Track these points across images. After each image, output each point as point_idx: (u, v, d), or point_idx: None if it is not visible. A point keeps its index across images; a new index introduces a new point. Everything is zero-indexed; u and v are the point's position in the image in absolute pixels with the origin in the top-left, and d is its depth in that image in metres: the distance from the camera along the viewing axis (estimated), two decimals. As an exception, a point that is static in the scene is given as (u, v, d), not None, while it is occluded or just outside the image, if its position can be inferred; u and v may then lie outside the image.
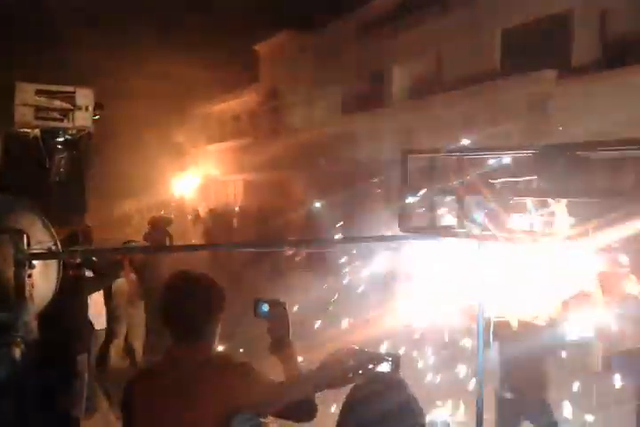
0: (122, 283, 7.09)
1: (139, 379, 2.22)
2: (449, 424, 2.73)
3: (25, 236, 2.01)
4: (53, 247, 2.20)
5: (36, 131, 5.35)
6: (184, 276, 2.31)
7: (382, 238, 3.27)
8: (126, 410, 2.19)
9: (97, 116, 5.89)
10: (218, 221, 21.43)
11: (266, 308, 2.37)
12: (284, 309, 2.38)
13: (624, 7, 11.51)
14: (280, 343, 2.33)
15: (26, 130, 5.39)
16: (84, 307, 5.26)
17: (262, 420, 1.83)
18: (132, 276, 7.28)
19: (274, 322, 2.36)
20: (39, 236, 2.22)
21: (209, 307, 2.24)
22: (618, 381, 3.24)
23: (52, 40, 22.09)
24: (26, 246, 2.01)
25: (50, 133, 5.00)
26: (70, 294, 5.09)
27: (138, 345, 7.41)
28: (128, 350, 7.39)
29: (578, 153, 2.29)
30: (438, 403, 3.58)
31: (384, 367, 1.85)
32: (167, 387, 2.13)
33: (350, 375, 1.79)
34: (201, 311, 2.22)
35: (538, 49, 12.74)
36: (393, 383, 1.65)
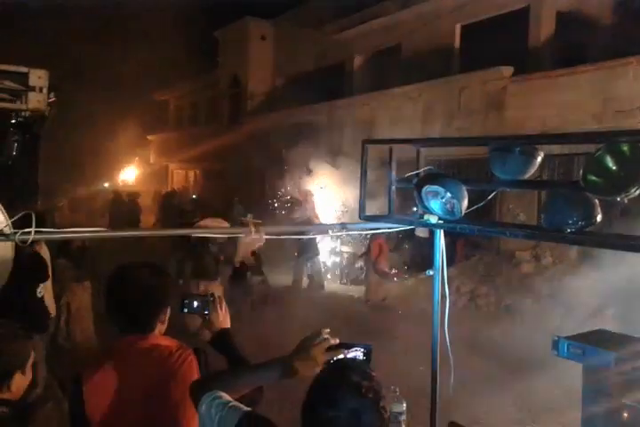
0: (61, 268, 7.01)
1: (86, 373, 2.15)
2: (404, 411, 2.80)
3: (-23, 218, 1.96)
4: (6, 229, 2.15)
5: (-14, 112, 5.19)
6: (129, 266, 2.27)
7: (339, 227, 3.29)
8: (74, 405, 2.14)
9: (52, 99, 5.75)
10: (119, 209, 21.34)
11: (195, 303, 2.37)
12: (215, 301, 2.39)
13: (579, 5, 11.81)
14: (222, 336, 2.34)
15: (-25, 111, 5.22)
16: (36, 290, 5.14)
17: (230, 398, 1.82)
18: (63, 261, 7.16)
19: (211, 316, 2.37)
20: (-9, 218, 2.17)
21: (155, 298, 2.21)
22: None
23: (7, 21, 21.40)
24: (-23, 229, 1.96)
25: (1, 115, 4.86)
26: (27, 276, 4.97)
27: (79, 329, 7.32)
28: (67, 335, 7.30)
29: (532, 146, 2.37)
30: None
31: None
32: (116, 379, 2.10)
33: (322, 365, 1.80)
34: (147, 303, 2.19)
35: (496, 45, 12.97)
36: (358, 367, 1.67)
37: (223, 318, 2.37)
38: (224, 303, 2.41)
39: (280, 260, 11.66)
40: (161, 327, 2.25)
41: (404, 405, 2.90)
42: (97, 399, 2.09)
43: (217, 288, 7.08)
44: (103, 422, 2.10)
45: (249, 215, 10.61)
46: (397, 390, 2.99)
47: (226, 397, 1.84)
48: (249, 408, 1.82)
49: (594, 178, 2.01)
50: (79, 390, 2.12)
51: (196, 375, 2.13)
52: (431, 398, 3.33)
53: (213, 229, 2.57)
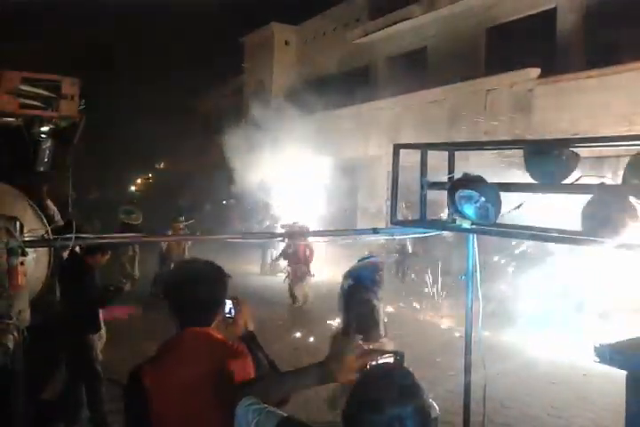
0: None
1: (146, 366, 2.18)
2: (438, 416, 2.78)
3: (18, 223, 1.99)
4: (45, 235, 2.18)
5: (20, 120, 5.27)
6: (194, 263, 2.34)
7: (370, 232, 3.28)
8: (135, 397, 2.16)
9: (82, 106, 5.83)
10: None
11: (228, 307, 2.40)
12: (239, 304, 2.42)
13: (607, 6, 11.64)
14: (249, 337, 2.37)
15: (9, 119, 5.31)
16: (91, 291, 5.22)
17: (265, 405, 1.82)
18: None
19: (236, 318, 2.39)
20: (31, 224, 2.20)
21: (216, 293, 2.28)
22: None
23: (36, 28, 21.82)
24: (18, 234, 1.99)
25: (34, 122, 4.94)
26: (79, 278, 5.07)
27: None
28: None
29: (570, 149, 2.33)
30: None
31: None
32: (175, 371, 2.14)
33: (355, 372, 1.80)
34: (209, 297, 2.26)
35: (522, 47, 12.86)
36: (399, 372, 1.66)
37: (248, 321, 2.40)
38: (247, 307, 2.44)
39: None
40: (214, 322, 2.30)
41: (438, 410, 2.89)
42: (157, 391, 2.12)
43: (389, 345, 4.99)
44: (161, 413, 2.12)
45: (181, 218, 11.30)
46: (430, 395, 2.97)
47: (261, 404, 1.85)
48: (285, 414, 1.82)
49: (636, 181, 1.97)
50: (140, 382, 2.14)
51: (251, 368, 2.18)
52: (464, 403, 3.30)
53: (257, 234, 2.58)
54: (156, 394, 2.11)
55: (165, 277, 2.47)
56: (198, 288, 2.21)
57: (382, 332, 4.90)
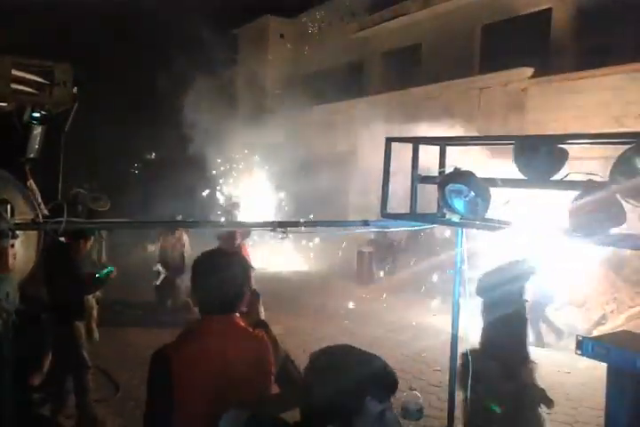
0: None
1: (172, 351, 2.20)
2: (422, 408, 2.81)
3: (9, 206, 1.99)
4: (36, 219, 2.19)
5: (12, 105, 5.24)
6: (221, 252, 2.43)
7: (361, 224, 3.30)
8: (161, 381, 2.17)
9: (75, 93, 5.80)
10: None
11: None
12: (254, 294, 2.46)
13: (602, 8, 11.70)
14: (261, 326, 2.39)
15: (0, 104, 5.27)
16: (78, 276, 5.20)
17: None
18: None
19: (248, 309, 2.43)
20: (22, 207, 2.21)
21: (243, 280, 2.34)
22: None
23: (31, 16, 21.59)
24: (9, 217, 1.99)
25: (26, 108, 4.91)
26: (64, 266, 5.04)
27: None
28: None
29: (559, 146, 2.36)
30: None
31: None
32: (203, 356, 2.17)
33: None
34: (237, 285, 2.31)
35: (517, 46, 12.91)
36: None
37: (260, 310, 2.45)
38: (260, 297, 2.50)
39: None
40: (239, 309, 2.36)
41: (421, 401, 2.90)
42: (181, 373, 2.14)
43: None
44: (184, 395, 2.15)
45: (179, 216, 11.00)
46: (415, 387, 3.00)
47: (247, 415, 1.89)
48: (253, 412, 1.87)
49: (622, 178, 2.00)
50: (167, 367, 2.15)
51: (271, 355, 2.27)
52: (449, 397, 3.34)
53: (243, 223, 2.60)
54: (180, 376, 2.14)
55: (193, 264, 2.47)
56: (226, 276, 2.27)
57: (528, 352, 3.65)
